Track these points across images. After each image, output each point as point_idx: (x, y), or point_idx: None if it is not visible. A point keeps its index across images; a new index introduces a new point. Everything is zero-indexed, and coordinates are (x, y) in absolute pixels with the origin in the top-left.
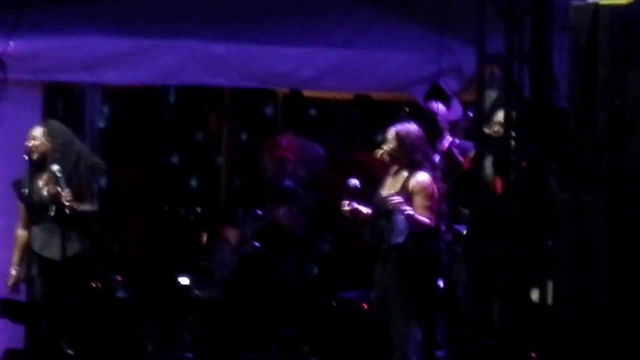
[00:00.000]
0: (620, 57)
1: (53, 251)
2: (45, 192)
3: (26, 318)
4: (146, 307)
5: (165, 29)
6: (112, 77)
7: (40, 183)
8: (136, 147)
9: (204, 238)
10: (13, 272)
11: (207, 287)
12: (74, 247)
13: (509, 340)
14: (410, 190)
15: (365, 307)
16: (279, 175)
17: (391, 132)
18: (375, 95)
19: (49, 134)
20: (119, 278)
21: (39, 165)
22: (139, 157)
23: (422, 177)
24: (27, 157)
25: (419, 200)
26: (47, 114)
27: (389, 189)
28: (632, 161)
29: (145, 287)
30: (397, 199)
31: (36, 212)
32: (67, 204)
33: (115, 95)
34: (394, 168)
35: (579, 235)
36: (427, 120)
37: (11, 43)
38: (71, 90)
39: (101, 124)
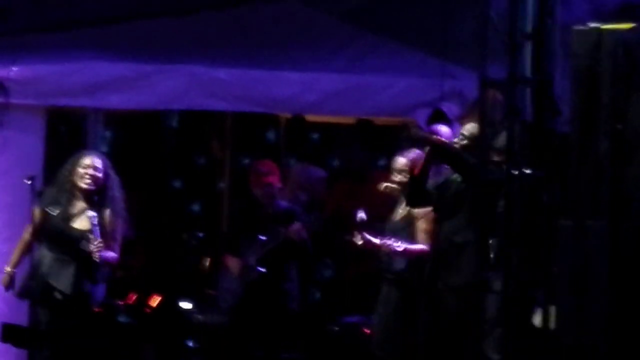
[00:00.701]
0: (623, 82)
1: (62, 282)
2: (76, 225)
3: (29, 343)
4: (148, 331)
5: (168, 53)
6: (115, 101)
7: (74, 212)
8: (138, 171)
9: (207, 264)
10: (8, 269)
11: (209, 312)
12: (85, 284)
13: None
14: (415, 215)
15: (368, 332)
16: (269, 200)
17: (402, 162)
18: (378, 119)
19: (105, 169)
20: (121, 303)
21: (77, 193)
22: (141, 182)
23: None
24: (80, 184)
25: (420, 225)
26: (50, 139)
27: (396, 214)
28: (634, 186)
29: (146, 312)
30: (390, 243)
31: (55, 238)
32: (96, 253)
33: (118, 119)
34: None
35: (581, 260)
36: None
37: (14, 68)
38: (74, 114)
39: (103, 148)
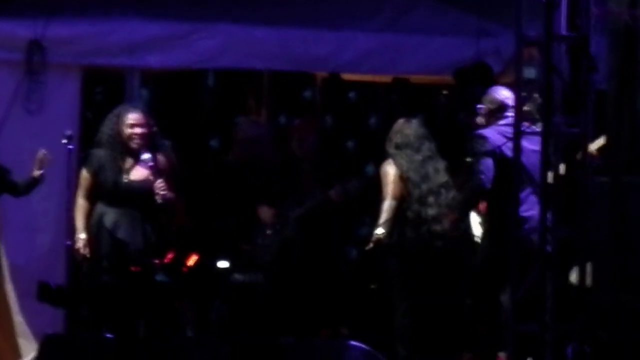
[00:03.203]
0: None
1: (133, 237)
2: (133, 178)
3: (65, 302)
4: (185, 291)
5: (205, 12)
6: (152, 60)
7: (127, 167)
8: (175, 131)
9: (244, 220)
10: (82, 236)
11: (247, 270)
12: (150, 236)
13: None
14: None
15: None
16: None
17: None
18: (414, 78)
19: (148, 121)
20: (158, 262)
21: (128, 151)
22: (178, 141)
23: None
24: (131, 145)
25: None
26: (86, 98)
27: None
28: None
29: (183, 272)
30: None
31: (116, 194)
32: (161, 193)
33: (155, 79)
34: None
35: (618, 217)
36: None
37: (50, 26)
38: (110, 74)
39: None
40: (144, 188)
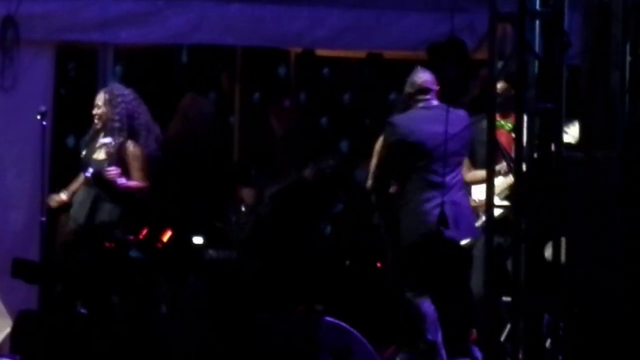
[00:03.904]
0: (634, 14)
1: (79, 212)
2: (95, 156)
3: (40, 279)
4: (160, 267)
5: None
6: (125, 36)
7: (97, 146)
8: (149, 107)
9: (218, 198)
10: (63, 196)
11: (221, 247)
12: (101, 217)
13: (521, 298)
14: None
15: (379, 265)
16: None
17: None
18: (388, 54)
19: (110, 102)
20: (132, 238)
21: (100, 131)
22: (151, 117)
23: None
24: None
25: None
26: (60, 75)
27: None
28: None
29: (158, 247)
30: None
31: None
32: (114, 180)
33: (128, 55)
34: None
35: (592, 193)
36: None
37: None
38: (83, 50)
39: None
40: (99, 169)
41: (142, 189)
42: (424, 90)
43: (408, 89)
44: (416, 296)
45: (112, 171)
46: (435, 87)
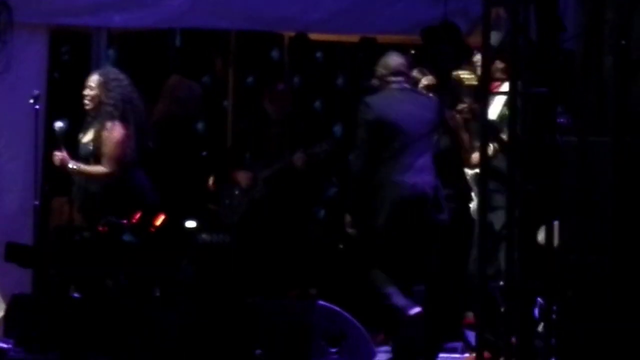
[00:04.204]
0: None
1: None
2: (82, 139)
3: (33, 263)
4: (153, 250)
5: None
6: (119, 20)
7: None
8: (142, 91)
9: (211, 182)
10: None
11: (215, 231)
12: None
13: (514, 282)
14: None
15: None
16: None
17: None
18: (382, 38)
19: (105, 85)
20: (125, 221)
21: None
22: (144, 101)
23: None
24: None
25: None
26: (53, 59)
27: None
28: (638, 102)
29: (151, 231)
30: None
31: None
32: (62, 165)
33: (122, 39)
34: None
35: (585, 177)
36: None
37: None
38: (77, 34)
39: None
40: (84, 153)
41: (104, 175)
42: (398, 72)
43: (381, 70)
44: (382, 286)
45: (57, 156)
46: (409, 72)
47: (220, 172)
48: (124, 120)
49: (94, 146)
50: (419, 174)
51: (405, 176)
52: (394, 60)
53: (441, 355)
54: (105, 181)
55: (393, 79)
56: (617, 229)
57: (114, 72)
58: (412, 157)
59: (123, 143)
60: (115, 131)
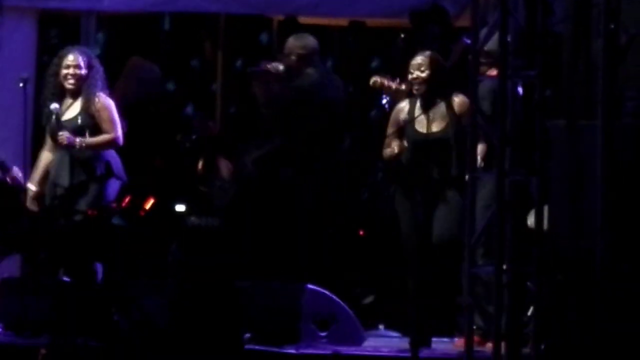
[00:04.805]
0: None
1: (63, 177)
2: (65, 118)
3: (21, 247)
4: (142, 234)
5: None
6: (108, 4)
7: (64, 108)
8: None
9: (200, 165)
10: (32, 187)
11: (204, 214)
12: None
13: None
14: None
15: (361, 233)
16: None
17: (422, 59)
18: (371, 21)
19: (91, 65)
20: (114, 205)
21: (70, 93)
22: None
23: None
24: (65, 84)
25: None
26: (42, 42)
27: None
28: (627, 85)
29: (140, 215)
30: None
31: (53, 137)
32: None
33: (111, 22)
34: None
35: (574, 161)
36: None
37: None
38: (66, 17)
39: (96, 51)
40: (71, 128)
41: (113, 140)
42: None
43: (300, 51)
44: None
45: (62, 136)
46: None
47: (209, 155)
48: (106, 90)
49: (82, 119)
50: None
51: None
52: (312, 41)
53: (434, 339)
54: (113, 147)
55: (312, 59)
56: (607, 212)
57: (90, 53)
58: None
59: (115, 108)
60: (106, 100)
